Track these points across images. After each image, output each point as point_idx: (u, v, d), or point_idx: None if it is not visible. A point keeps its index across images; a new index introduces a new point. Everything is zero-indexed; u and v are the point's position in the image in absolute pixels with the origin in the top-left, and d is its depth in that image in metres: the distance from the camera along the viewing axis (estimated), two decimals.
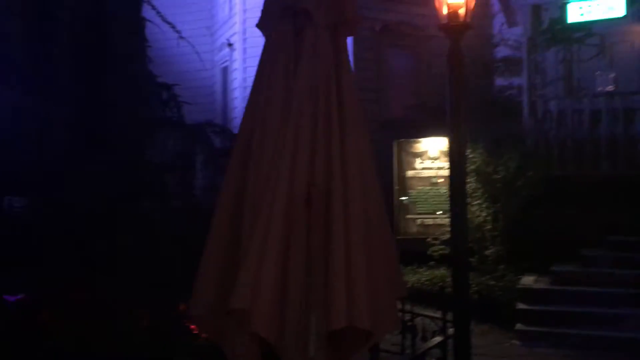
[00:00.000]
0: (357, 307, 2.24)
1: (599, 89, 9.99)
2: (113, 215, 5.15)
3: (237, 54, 12.27)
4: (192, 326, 3.81)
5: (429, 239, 8.75)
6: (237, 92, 12.22)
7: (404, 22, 11.16)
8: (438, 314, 4.96)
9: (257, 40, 3.02)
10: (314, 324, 2.34)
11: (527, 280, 7.77)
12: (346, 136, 2.37)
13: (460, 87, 3.62)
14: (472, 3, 3.61)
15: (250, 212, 2.46)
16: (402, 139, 9.45)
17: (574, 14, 9.54)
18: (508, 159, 8.45)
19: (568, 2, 9.48)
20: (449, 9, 3.60)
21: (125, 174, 5.63)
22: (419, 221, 9.35)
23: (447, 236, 8.67)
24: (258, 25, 2.72)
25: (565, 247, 7.82)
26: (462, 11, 3.57)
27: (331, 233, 2.33)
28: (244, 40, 11.90)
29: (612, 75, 10.03)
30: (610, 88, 9.89)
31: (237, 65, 12.33)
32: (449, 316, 4.45)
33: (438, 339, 4.44)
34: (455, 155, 3.68)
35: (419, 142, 9.45)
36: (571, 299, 7.22)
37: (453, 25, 3.61)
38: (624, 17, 9.32)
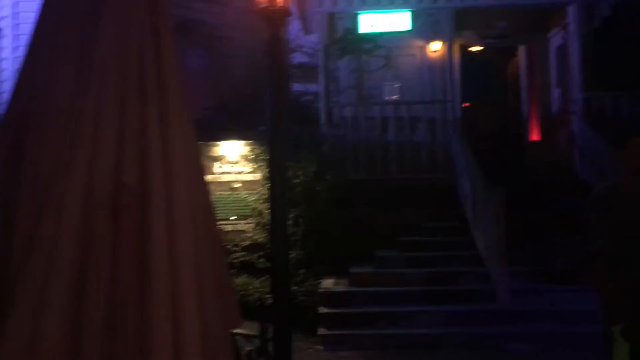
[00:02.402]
0: (187, 354, 1.67)
1: (387, 98, 10.60)
2: None
3: (7, 42, 10.65)
4: None
5: (229, 246, 8.39)
6: (7, 86, 10.59)
7: (202, 20, 10.68)
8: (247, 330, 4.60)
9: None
10: None
11: (327, 283, 7.82)
12: (167, 121, 1.76)
13: (282, 78, 3.31)
14: None
15: (23, 226, 1.72)
16: (200, 142, 8.93)
17: (365, 25, 9.98)
18: (307, 163, 8.48)
19: (360, 13, 9.87)
20: None
21: None
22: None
23: (248, 242, 8.55)
24: None
25: (362, 249, 8.04)
26: None
27: (149, 256, 1.68)
28: (16, 26, 10.37)
29: (398, 85, 10.71)
30: (396, 97, 10.55)
31: (6, 54, 10.69)
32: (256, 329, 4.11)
33: None
34: (276, 157, 3.36)
35: (217, 145, 9.05)
36: (369, 300, 7.41)
37: (272, 11, 3.31)
38: (409, 31, 9.98)
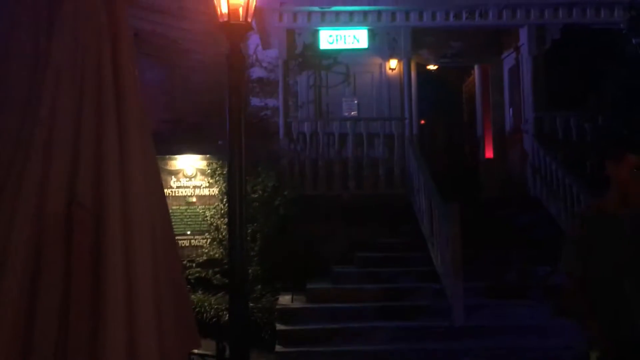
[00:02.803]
0: None
1: (345, 113, 10.67)
2: None
3: None
4: None
5: (185, 262, 8.25)
6: None
7: (160, 33, 10.55)
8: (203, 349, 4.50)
9: None
10: None
11: (284, 299, 7.75)
12: (126, 132, 1.69)
13: (241, 92, 3.28)
14: (253, 4, 3.33)
15: None
16: (157, 156, 8.77)
17: (325, 42, 10.05)
18: (265, 178, 8.44)
19: (320, 30, 9.93)
20: (229, 7, 3.27)
21: None
22: None
23: (204, 258, 8.42)
24: None
25: (320, 265, 8.03)
26: (242, 10, 3.28)
27: (104, 276, 1.58)
28: None
29: (356, 101, 10.80)
30: (354, 114, 10.63)
31: None
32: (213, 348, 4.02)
33: None
34: (234, 172, 3.31)
35: (174, 159, 8.92)
36: (326, 316, 7.36)
37: (233, 25, 3.28)
38: (368, 48, 10.11)
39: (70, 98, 1.69)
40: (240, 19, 3.28)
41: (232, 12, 3.27)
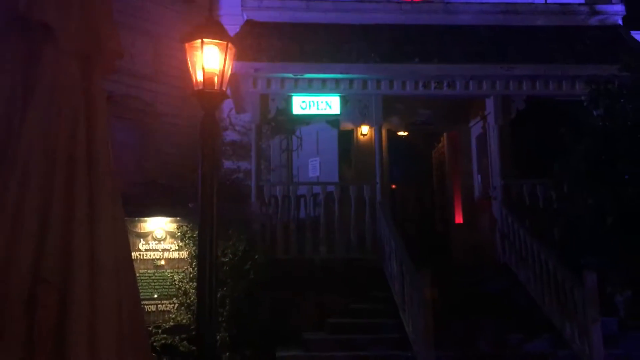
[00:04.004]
0: None
1: (317, 177, 10.74)
2: None
3: None
4: None
5: (150, 328, 8.00)
6: None
7: (132, 95, 10.64)
8: None
9: None
10: None
11: None
12: (96, 201, 1.67)
13: (214, 158, 3.28)
14: (229, 73, 3.39)
15: None
16: (126, 218, 8.65)
17: (297, 107, 10.22)
18: (236, 241, 8.35)
19: (293, 95, 10.12)
20: (204, 75, 3.32)
21: None
22: None
23: (171, 324, 8.18)
24: None
25: (290, 331, 7.87)
26: (217, 79, 3.32)
27: (66, 354, 1.48)
28: None
29: (328, 166, 10.91)
30: (326, 179, 10.70)
31: None
32: None
33: None
34: (205, 236, 3.27)
35: (144, 221, 8.80)
36: None
37: (208, 93, 3.32)
38: (339, 115, 10.31)
39: (42, 165, 1.67)
40: (215, 87, 3.33)
41: (207, 80, 3.33)
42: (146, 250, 8.73)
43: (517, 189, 9.96)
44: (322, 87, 10.06)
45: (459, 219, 12.04)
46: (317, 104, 10.21)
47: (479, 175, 11.31)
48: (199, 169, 3.75)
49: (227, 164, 10.97)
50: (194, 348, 7.29)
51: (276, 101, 10.11)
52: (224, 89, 3.40)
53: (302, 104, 10.23)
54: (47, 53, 1.74)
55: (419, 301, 6.94)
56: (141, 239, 8.72)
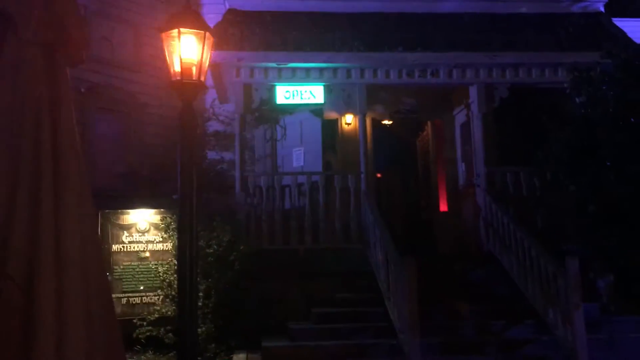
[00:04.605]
0: None
1: (301, 167, 10.71)
2: None
3: None
4: None
5: (135, 320, 7.97)
6: None
7: (115, 86, 10.52)
8: None
9: None
10: None
11: (239, 358, 7.54)
12: (62, 197, 1.60)
13: (193, 150, 3.25)
14: (207, 63, 3.35)
15: None
16: (109, 210, 8.61)
17: (281, 97, 10.16)
18: (221, 232, 8.31)
19: (276, 85, 10.06)
20: (182, 65, 3.27)
21: None
22: (124, 300, 8.48)
23: (156, 316, 8.15)
24: None
25: (276, 321, 7.87)
26: (195, 69, 3.28)
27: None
28: None
29: (312, 155, 10.87)
30: (311, 168, 10.67)
31: None
32: None
33: None
34: (185, 228, 3.24)
35: (127, 213, 8.73)
36: None
37: (186, 83, 3.28)
38: (323, 104, 10.26)
39: (6, 158, 1.63)
40: (194, 78, 3.29)
41: (185, 70, 3.28)
42: (130, 242, 8.67)
43: (500, 176, 10.01)
44: (305, 77, 10.01)
45: (443, 207, 12.09)
46: (300, 93, 10.16)
47: (463, 164, 11.35)
48: (177, 160, 3.72)
49: (211, 154, 10.89)
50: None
51: (260, 91, 10.05)
52: (202, 79, 3.36)
53: (286, 94, 10.18)
54: (8, 43, 1.69)
55: (404, 289, 6.97)
56: (124, 231, 8.66)
